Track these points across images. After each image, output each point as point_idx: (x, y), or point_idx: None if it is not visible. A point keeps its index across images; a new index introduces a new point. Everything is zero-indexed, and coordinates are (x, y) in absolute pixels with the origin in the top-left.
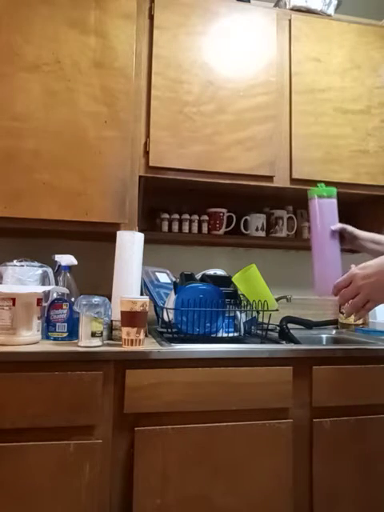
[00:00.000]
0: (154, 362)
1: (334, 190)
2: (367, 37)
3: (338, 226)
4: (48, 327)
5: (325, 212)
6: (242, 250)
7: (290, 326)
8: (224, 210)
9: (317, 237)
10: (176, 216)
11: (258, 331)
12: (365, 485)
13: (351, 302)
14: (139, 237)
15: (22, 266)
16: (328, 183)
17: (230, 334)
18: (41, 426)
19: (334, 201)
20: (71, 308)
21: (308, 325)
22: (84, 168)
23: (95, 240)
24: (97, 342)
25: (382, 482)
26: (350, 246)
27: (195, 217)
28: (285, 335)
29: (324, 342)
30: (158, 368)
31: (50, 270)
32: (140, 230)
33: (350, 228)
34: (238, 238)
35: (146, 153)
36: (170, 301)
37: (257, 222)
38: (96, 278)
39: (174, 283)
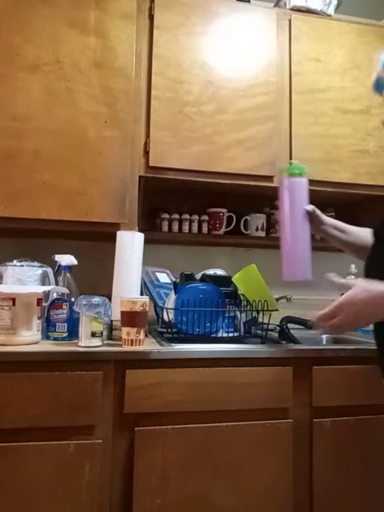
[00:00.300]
0: (154, 361)
1: (304, 168)
2: (367, 37)
3: (311, 206)
4: (48, 327)
5: (297, 191)
6: (242, 249)
7: (289, 325)
8: (224, 210)
9: (288, 218)
10: (176, 216)
11: (258, 331)
12: (365, 485)
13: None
14: (139, 237)
15: (22, 266)
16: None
17: (230, 334)
18: (41, 425)
19: (306, 180)
20: (71, 308)
21: (308, 325)
22: (84, 168)
23: (95, 240)
24: (97, 342)
25: (382, 482)
26: (314, 231)
27: (195, 217)
28: (285, 335)
29: (324, 342)
30: (158, 368)
31: (49, 270)
32: (140, 230)
33: (318, 211)
34: (238, 237)
35: (146, 153)
36: (170, 301)
37: (257, 222)
38: (96, 277)
39: (174, 283)
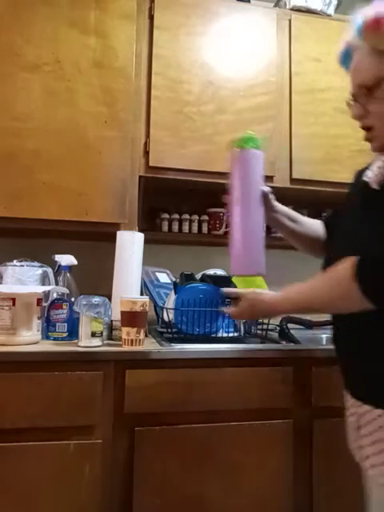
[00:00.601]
0: (154, 362)
1: (260, 140)
2: None
3: (268, 188)
4: (48, 327)
5: (251, 166)
6: None
7: (289, 325)
8: (224, 210)
9: (239, 198)
10: (176, 216)
11: (258, 331)
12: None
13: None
14: (139, 237)
15: (22, 266)
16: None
17: (230, 334)
18: (41, 426)
19: (262, 153)
20: (71, 308)
21: (308, 325)
22: (84, 168)
23: (95, 240)
24: (97, 342)
25: None
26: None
27: (195, 217)
28: (285, 335)
29: (324, 342)
30: (157, 368)
31: (50, 270)
32: (140, 230)
33: (272, 194)
34: None
35: (146, 153)
36: (170, 301)
37: None
38: (96, 278)
39: (174, 283)
